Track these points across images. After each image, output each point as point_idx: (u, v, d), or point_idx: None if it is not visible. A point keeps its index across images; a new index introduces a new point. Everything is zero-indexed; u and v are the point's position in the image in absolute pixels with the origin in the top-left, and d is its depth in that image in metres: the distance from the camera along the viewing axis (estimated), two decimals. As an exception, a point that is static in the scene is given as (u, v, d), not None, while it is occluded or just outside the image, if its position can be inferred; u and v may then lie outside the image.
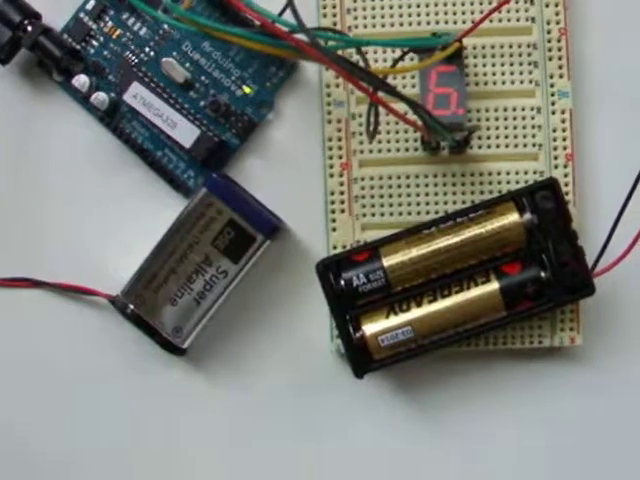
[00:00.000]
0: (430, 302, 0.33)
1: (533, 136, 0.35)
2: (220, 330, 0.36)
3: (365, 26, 0.35)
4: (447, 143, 0.34)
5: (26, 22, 0.36)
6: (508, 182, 0.35)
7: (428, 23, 0.35)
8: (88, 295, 0.36)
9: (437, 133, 0.31)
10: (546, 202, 0.33)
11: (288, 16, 0.29)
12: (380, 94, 0.30)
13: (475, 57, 0.35)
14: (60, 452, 0.37)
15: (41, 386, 0.37)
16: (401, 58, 0.33)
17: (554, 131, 0.35)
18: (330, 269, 0.34)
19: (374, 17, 0.35)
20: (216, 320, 0.35)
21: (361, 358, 0.34)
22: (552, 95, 0.35)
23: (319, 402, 0.36)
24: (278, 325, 0.36)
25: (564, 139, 0.35)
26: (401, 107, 0.31)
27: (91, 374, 0.36)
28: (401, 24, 0.35)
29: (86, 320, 0.37)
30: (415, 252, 0.33)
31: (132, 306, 0.35)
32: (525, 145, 0.35)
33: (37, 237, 0.37)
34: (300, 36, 0.26)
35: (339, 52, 0.29)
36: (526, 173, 0.35)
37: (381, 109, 0.31)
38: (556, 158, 0.35)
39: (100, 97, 0.36)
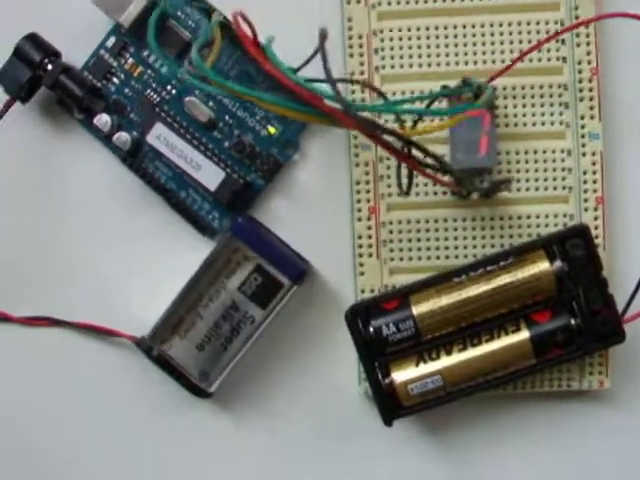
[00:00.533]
0: (460, 351, 0.33)
1: (563, 179, 0.34)
2: (247, 372, 0.36)
3: (392, 66, 0.35)
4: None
5: (46, 61, 0.35)
6: (538, 225, 0.35)
7: (457, 63, 0.34)
8: (111, 336, 0.36)
9: (465, 186, 0.31)
10: (577, 250, 0.33)
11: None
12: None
13: (505, 98, 0.34)
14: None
15: (62, 427, 0.37)
16: (430, 105, 0.33)
17: (584, 174, 0.34)
18: (359, 316, 0.33)
19: (402, 57, 0.35)
20: (243, 362, 0.35)
21: (390, 405, 0.33)
22: (582, 137, 0.34)
23: (346, 445, 0.36)
24: (305, 367, 0.36)
25: (594, 182, 0.34)
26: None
27: (114, 415, 0.36)
28: (429, 64, 0.35)
29: (108, 360, 0.37)
30: (445, 301, 0.33)
31: (158, 349, 0.35)
32: (555, 188, 0.35)
33: (59, 275, 0.37)
34: (333, 103, 0.26)
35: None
36: (556, 216, 0.35)
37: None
38: (586, 201, 0.34)
39: (122, 137, 0.35)
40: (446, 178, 0.30)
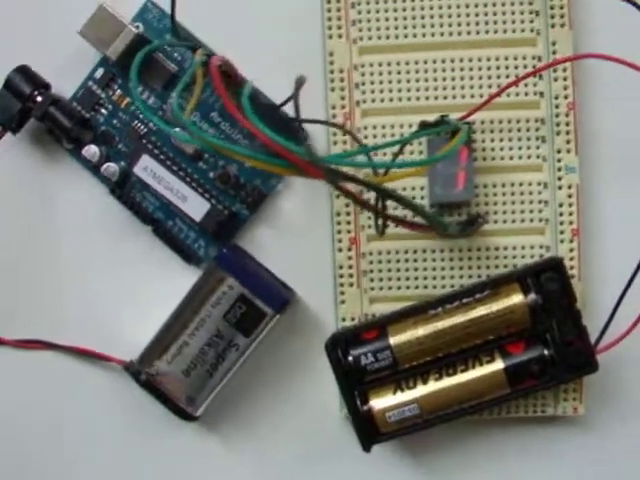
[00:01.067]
0: (436, 380, 0.34)
1: (540, 211, 0.35)
2: (233, 396, 0.37)
3: (373, 100, 0.35)
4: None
5: (36, 93, 0.36)
6: (514, 257, 0.35)
7: (436, 98, 0.35)
8: (101, 360, 0.37)
9: (440, 230, 0.32)
10: (551, 283, 0.34)
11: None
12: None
13: (483, 132, 0.35)
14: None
15: (53, 448, 0.38)
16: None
17: (561, 206, 0.35)
18: (338, 345, 0.34)
19: (382, 91, 0.35)
20: (230, 386, 0.36)
21: (368, 431, 0.34)
22: (559, 170, 0.35)
23: (330, 467, 0.37)
24: (289, 392, 0.37)
25: (570, 214, 0.35)
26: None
27: (102, 437, 0.38)
28: (409, 99, 0.35)
29: (98, 383, 0.38)
30: (422, 332, 0.34)
31: (146, 374, 0.36)
32: (532, 220, 0.35)
33: (52, 300, 0.38)
34: (304, 156, 0.26)
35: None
36: (532, 248, 0.35)
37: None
38: (562, 233, 0.35)
39: (111, 168, 0.36)
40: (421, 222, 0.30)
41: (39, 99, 0.36)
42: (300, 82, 0.29)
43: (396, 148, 0.34)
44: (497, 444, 0.36)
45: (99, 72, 0.37)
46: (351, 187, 0.29)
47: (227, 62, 0.32)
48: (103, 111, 0.37)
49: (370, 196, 0.35)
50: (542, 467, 0.36)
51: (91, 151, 0.37)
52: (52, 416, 0.38)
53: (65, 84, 0.37)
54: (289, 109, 0.36)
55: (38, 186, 0.37)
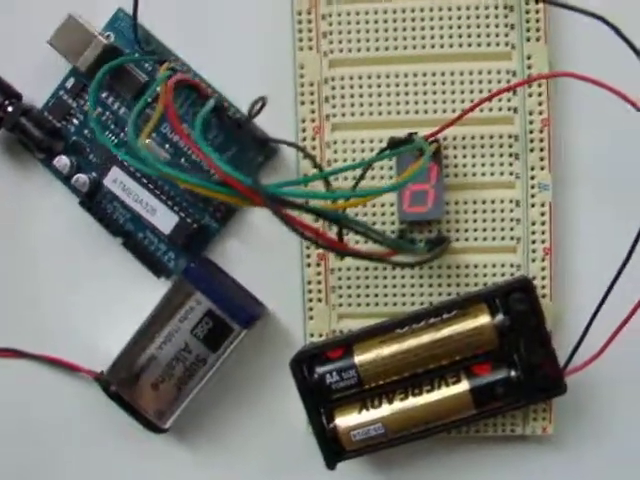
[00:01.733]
0: (401, 400, 0.34)
1: (511, 229, 0.35)
2: (202, 409, 0.37)
3: (343, 114, 0.35)
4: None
5: (7, 103, 0.36)
6: (485, 275, 0.35)
7: (407, 112, 0.34)
8: (72, 370, 0.38)
9: (409, 252, 0.31)
10: (519, 304, 0.33)
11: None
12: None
13: (455, 148, 0.34)
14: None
15: (22, 457, 0.38)
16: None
17: (533, 224, 0.35)
18: (303, 364, 0.34)
19: (353, 105, 0.35)
20: (199, 399, 0.36)
21: (333, 449, 0.34)
22: (532, 187, 0.34)
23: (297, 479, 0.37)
24: (258, 406, 0.37)
25: (543, 232, 0.35)
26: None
27: (75, 447, 0.38)
28: (380, 113, 0.35)
29: (70, 392, 0.38)
30: (387, 351, 0.34)
31: (115, 386, 0.36)
32: (503, 238, 0.35)
33: (25, 309, 0.38)
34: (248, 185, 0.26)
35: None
36: (503, 266, 0.35)
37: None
38: (534, 252, 0.35)
39: (81, 180, 0.36)
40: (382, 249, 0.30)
41: (10, 109, 0.36)
42: (259, 104, 0.28)
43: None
44: (466, 462, 0.36)
45: (70, 82, 0.36)
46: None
47: (189, 80, 0.32)
48: (74, 121, 0.37)
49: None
50: (510, 485, 0.36)
51: (62, 162, 0.36)
52: (22, 424, 0.38)
53: (37, 94, 0.37)
54: (261, 123, 0.35)
55: (11, 196, 0.37)
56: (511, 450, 0.36)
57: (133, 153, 0.28)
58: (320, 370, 0.34)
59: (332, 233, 0.34)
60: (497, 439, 0.36)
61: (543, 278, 0.35)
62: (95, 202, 0.37)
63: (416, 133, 0.34)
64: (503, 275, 0.35)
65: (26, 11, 0.36)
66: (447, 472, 0.36)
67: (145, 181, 0.36)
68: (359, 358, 0.34)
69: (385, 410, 0.34)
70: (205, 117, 0.28)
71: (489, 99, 0.34)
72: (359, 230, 0.28)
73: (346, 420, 0.34)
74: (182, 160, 0.36)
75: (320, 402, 0.34)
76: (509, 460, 0.36)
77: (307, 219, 0.33)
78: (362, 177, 0.33)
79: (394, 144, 0.34)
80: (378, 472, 0.37)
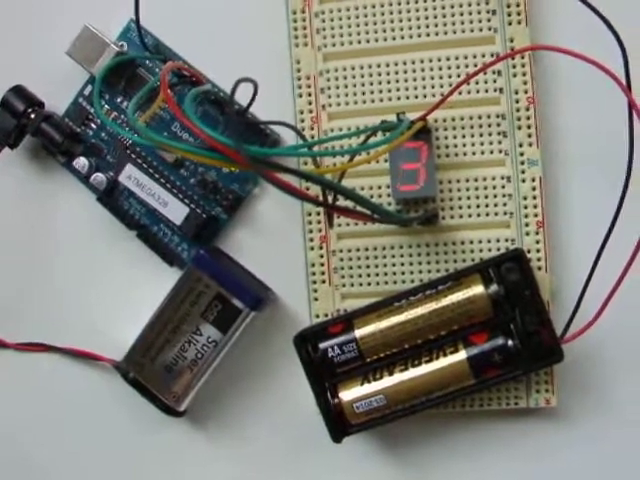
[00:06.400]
0: (401, 371, 0.35)
1: (504, 204, 0.36)
2: (216, 392, 0.39)
3: (338, 104, 0.37)
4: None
5: (30, 110, 0.39)
6: (480, 250, 0.36)
7: (399, 98, 0.36)
8: (95, 360, 0.40)
9: (383, 219, 0.33)
10: (512, 274, 0.34)
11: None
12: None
13: (445, 129, 0.36)
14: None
15: (51, 443, 0.40)
16: (365, 140, 0.35)
17: (524, 199, 0.36)
18: (308, 340, 0.36)
19: (347, 95, 0.37)
20: (214, 381, 0.38)
21: (338, 423, 0.35)
22: (522, 164, 0.36)
23: (309, 459, 0.38)
24: (267, 387, 0.38)
25: (535, 206, 0.36)
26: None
27: (99, 432, 0.40)
28: (373, 100, 0.36)
29: (93, 381, 0.40)
30: (385, 324, 0.35)
31: (133, 372, 0.38)
32: (496, 214, 0.36)
33: (50, 305, 0.40)
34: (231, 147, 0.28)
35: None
36: (498, 241, 0.36)
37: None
38: (527, 225, 0.36)
39: (98, 178, 0.39)
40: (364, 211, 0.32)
41: (32, 116, 0.39)
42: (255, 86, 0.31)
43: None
44: (470, 437, 0.37)
45: (88, 89, 0.39)
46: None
47: (188, 68, 0.34)
48: (93, 125, 0.40)
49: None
50: (514, 459, 0.37)
51: (81, 163, 0.39)
52: (50, 412, 0.40)
53: (60, 101, 0.40)
54: (262, 115, 0.38)
55: (35, 196, 0.40)
56: (514, 424, 0.37)
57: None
58: (322, 345, 0.35)
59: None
60: (501, 413, 0.36)
61: (538, 251, 0.36)
62: (112, 199, 0.39)
63: (404, 113, 0.35)
64: (499, 250, 0.36)
65: (46, 25, 0.40)
66: (452, 447, 0.37)
67: (157, 176, 0.38)
68: (359, 332, 0.35)
69: (386, 382, 0.35)
70: (196, 94, 0.30)
71: (468, 79, 0.35)
72: (348, 194, 0.30)
73: (349, 393, 0.35)
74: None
75: (324, 377, 0.36)
76: (513, 434, 0.37)
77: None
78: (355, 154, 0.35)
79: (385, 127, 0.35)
80: (384, 450, 0.38)
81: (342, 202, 0.34)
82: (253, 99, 0.34)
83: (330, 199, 0.34)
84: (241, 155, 0.27)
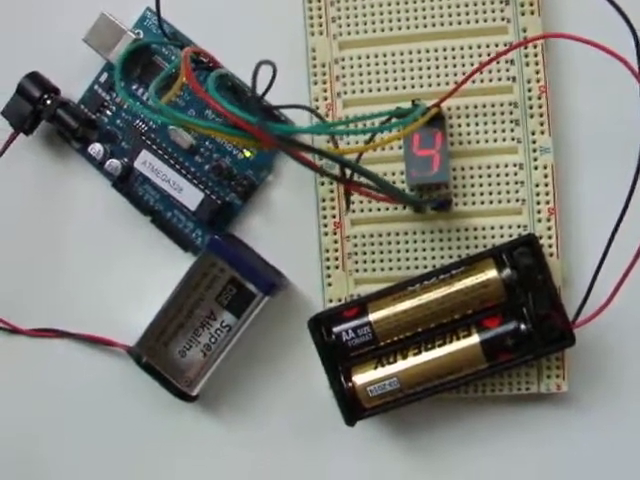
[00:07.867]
0: (415, 355, 0.35)
1: (516, 192, 0.36)
2: (229, 376, 0.39)
3: (353, 92, 0.37)
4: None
5: (45, 97, 0.39)
6: (493, 237, 0.36)
7: (413, 87, 0.37)
8: (108, 345, 0.40)
9: (401, 200, 0.33)
10: (524, 258, 0.35)
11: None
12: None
13: (459, 117, 0.37)
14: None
15: (64, 429, 0.41)
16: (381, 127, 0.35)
17: (537, 186, 0.36)
18: (322, 324, 0.36)
19: (362, 83, 0.37)
20: (224, 368, 0.38)
21: (352, 407, 0.36)
22: (534, 151, 0.36)
23: (322, 442, 0.38)
24: (282, 371, 0.39)
25: (547, 194, 0.36)
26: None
27: (111, 419, 0.40)
28: (387, 88, 0.37)
29: (106, 366, 0.40)
30: (400, 307, 0.35)
31: (146, 357, 0.38)
32: (509, 201, 0.36)
33: (63, 291, 0.40)
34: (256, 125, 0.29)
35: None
36: (510, 227, 0.36)
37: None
38: (539, 212, 0.36)
39: (113, 164, 0.39)
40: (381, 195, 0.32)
41: (48, 102, 0.39)
42: (274, 69, 0.31)
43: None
44: (481, 422, 0.37)
45: (104, 76, 0.40)
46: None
47: (206, 53, 0.35)
48: (108, 112, 0.40)
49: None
50: (525, 444, 0.37)
51: (96, 149, 0.39)
52: (64, 398, 0.40)
53: (75, 88, 0.40)
54: (278, 103, 0.38)
55: (50, 182, 0.40)
56: (525, 409, 0.37)
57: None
58: (337, 329, 0.36)
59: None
60: (512, 398, 0.37)
61: (549, 237, 0.36)
62: (126, 185, 0.39)
63: (419, 99, 0.36)
64: (511, 236, 0.36)
65: (62, 12, 0.40)
66: (463, 433, 0.37)
67: (172, 162, 0.38)
68: (373, 316, 0.35)
69: (400, 365, 0.35)
70: (217, 75, 0.30)
71: (481, 68, 0.35)
72: (364, 173, 0.30)
73: (363, 377, 0.36)
74: (206, 143, 0.39)
75: (338, 360, 0.36)
76: (524, 419, 0.37)
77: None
78: (372, 138, 0.35)
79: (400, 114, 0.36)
80: (396, 434, 0.38)
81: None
82: (272, 82, 0.34)
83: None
84: (265, 132, 0.28)
